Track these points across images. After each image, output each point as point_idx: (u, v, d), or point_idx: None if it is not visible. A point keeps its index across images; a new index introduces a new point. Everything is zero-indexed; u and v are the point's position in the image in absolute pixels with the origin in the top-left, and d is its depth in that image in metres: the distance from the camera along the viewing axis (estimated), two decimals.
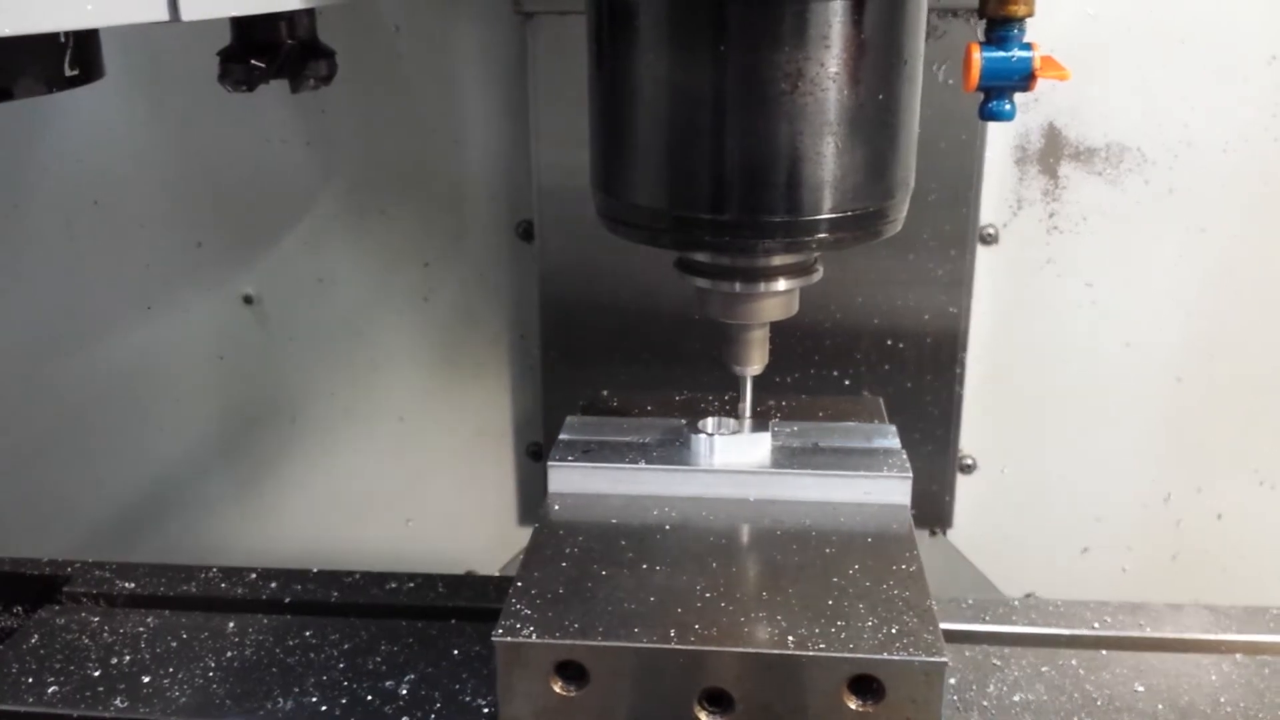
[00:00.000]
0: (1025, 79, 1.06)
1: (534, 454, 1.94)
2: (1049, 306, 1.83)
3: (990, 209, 1.77)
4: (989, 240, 1.79)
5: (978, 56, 1.06)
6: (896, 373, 1.78)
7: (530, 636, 0.95)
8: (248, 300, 1.92)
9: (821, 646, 0.94)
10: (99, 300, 1.93)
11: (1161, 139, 1.74)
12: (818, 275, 1.21)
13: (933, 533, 1.90)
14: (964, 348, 1.79)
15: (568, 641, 0.95)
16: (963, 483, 1.91)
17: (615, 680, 0.96)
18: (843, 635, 0.95)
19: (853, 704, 0.94)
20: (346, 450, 1.98)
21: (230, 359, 1.94)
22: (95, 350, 1.96)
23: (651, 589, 1.02)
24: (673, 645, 0.95)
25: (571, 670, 0.96)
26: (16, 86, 1.09)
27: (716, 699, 0.96)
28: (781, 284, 1.18)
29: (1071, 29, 1.68)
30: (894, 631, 0.95)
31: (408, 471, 1.99)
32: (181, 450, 2.01)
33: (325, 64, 1.49)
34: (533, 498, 1.98)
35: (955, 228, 1.73)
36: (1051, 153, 1.75)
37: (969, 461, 1.90)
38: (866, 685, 0.94)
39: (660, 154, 1.12)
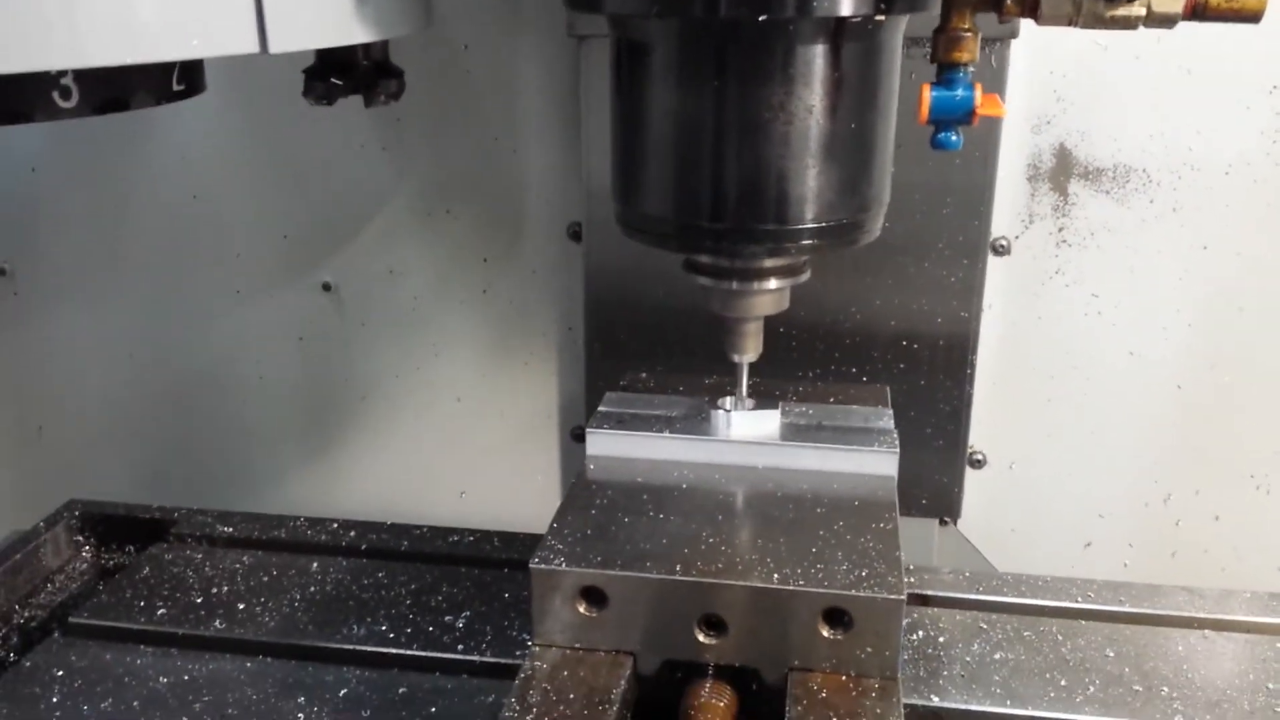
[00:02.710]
0: (968, 114, 1.20)
1: (577, 437, 2.07)
2: (1057, 315, 1.92)
3: (1003, 222, 1.87)
4: (1001, 251, 1.89)
5: (927, 95, 1.19)
6: (911, 372, 1.87)
7: (561, 565, 1.14)
8: (326, 288, 2.08)
9: (801, 583, 1.11)
10: (195, 284, 2.10)
11: (1166, 161, 1.83)
12: (805, 276, 1.34)
13: (943, 522, 2.00)
14: (974, 350, 1.88)
15: (591, 570, 1.13)
16: (972, 476, 2.00)
17: (630, 605, 1.13)
18: (820, 575, 1.12)
19: (826, 632, 1.11)
20: (409, 427, 2.13)
21: (309, 341, 2.11)
22: (190, 330, 2.14)
23: (665, 534, 1.20)
24: (678, 577, 1.12)
25: (594, 595, 1.14)
26: (132, 100, 1.27)
27: (714, 624, 1.13)
28: (772, 283, 1.32)
29: (1083, 57, 1.78)
30: (864, 574, 1.12)
31: (463, 448, 2.13)
32: (263, 422, 2.18)
33: (395, 83, 1.68)
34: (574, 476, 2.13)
35: (969, 238, 1.82)
36: (1062, 171, 1.85)
37: (979, 457, 2.00)
38: (838, 617, 1.11)
39: (667, 171, 1.26)
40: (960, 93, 1.19)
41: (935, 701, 1.26)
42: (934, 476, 1.94)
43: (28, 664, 1.35)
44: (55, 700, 1.27)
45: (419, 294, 2.06)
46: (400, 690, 1.28)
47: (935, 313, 1.86)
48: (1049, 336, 1.95)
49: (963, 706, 1.25)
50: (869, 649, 1.11)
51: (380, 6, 1.32)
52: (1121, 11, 1.09)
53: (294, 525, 1.62)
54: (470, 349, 2.09)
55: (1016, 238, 1.90)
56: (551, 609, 1.15)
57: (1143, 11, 1.10)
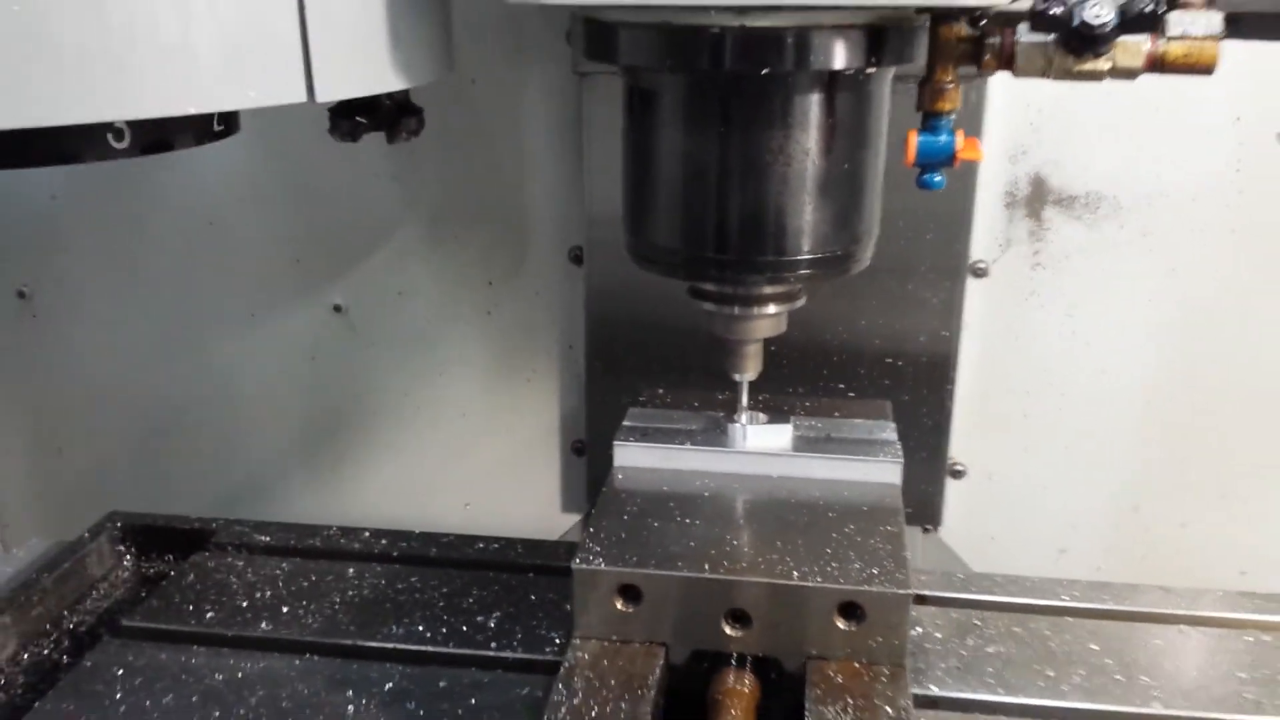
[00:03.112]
0: (950, 158, 1.32)
1: (577, 450, 2.21)
2: (1032, 334, 2.06)
3: (981, 246, 2.00)
4: (979, 274, 2.03)
5: (914, 141, 1.32)
6: (895, 387, 2.00)
7: (600, 565, 1.27)
8: (337, 309, 2.20)
9: (819, 580, 1.25)
10: (209, 307, 2.22)
11: (1136, 189, 1.96)
12: (801, 302, 1.47)
13: (925, 530, 2.14)
14: (954, 367, 2.02)
15: (628, 569, 1.27)
16: (953, 486, 2.15)
17: (663, 600, 1.27)
18: (835, 573, 1.26)
19: (841, 624, 1.25)
20: (416, 442, 2.27)
21: (320, 360, 2.24)
22: (205, 351, 2.26)
23: (692, 537, 1.34)
24: (707, 575, 1.26)
25: (630, 592, 1.28)
26: (176, 141, 1.38)
27: (739, 617, 1.27)
28: (771, 308, 1.45)
29: (1056, 90, 1.85)
30: (875, 572, 1.26)
31: (468, 462, 2.26)
32: (275, 437, 2.31)
33: (415, 120, 1.79)
34: (574, 488, 2.25)
35: (949, 262, 1.95)
36: (1037, 199, 1.99)
37: (959, 468, 2.15)
38: (852, 610, 1.25)
39: (676, 207, 1.39)
40: (943, 138, 1.31)
41: (934, 690, 1.39)
42: (917, 486, 2.03)
43: (88, 664, 1.45)
44: (119, 696, 1.38)
45: (426, 315, 2.19)
46: (441, 684, 1.40)
47: (918, 332, 1.99)
48: (1025, 354, 2.08)
49: (959, 695, 1.39)
50: (880, 639, 1.25)
51: (411, 56, 1.45)
52: (1088, 66, 1.23)
53: (327, 534, 1.74)
54: (475, 367, 2.21)
55: (994, 261, 2.03)
56: (591, 605, 1.28)
57: (1107, 66, 1.23)
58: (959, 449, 2.12)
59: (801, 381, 1.99)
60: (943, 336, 2.00)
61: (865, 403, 1.68)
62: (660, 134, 1.37)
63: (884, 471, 1.49)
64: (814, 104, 1.30)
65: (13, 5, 1.07)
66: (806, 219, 1.35)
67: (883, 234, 1.56)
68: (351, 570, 1.65)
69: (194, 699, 1.38)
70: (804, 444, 1.52)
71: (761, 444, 1.51)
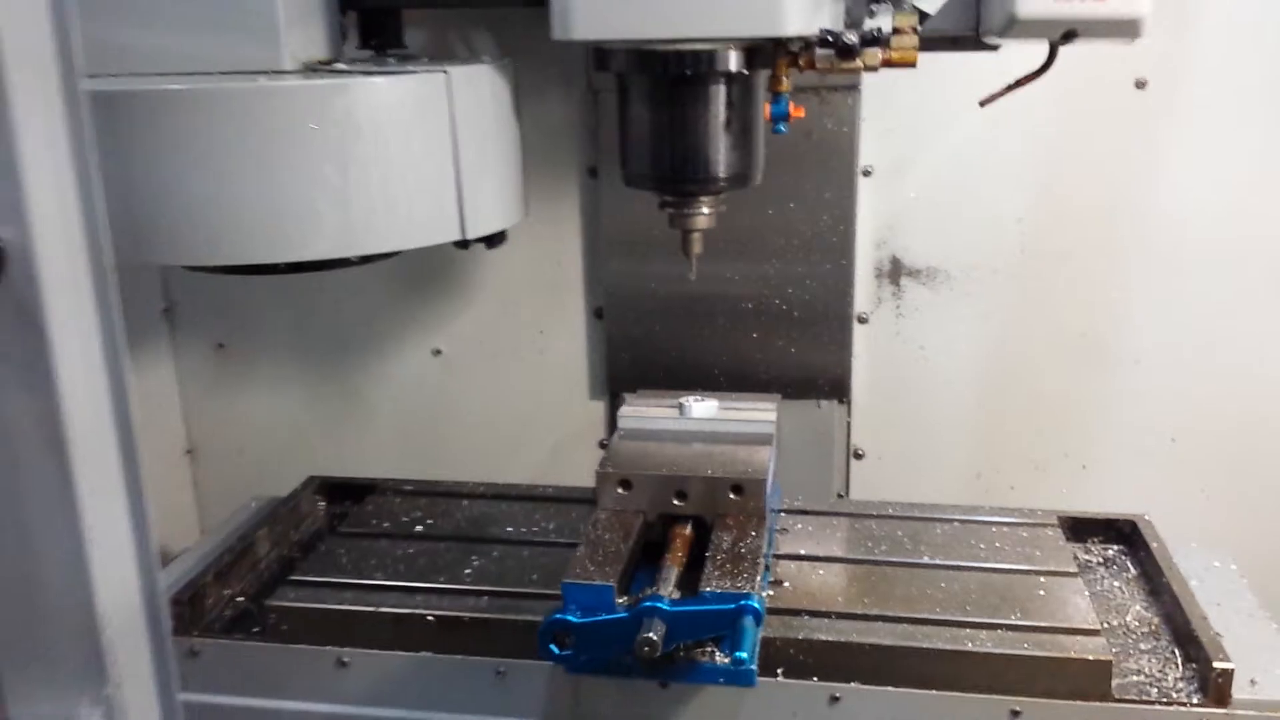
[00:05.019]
0: (787, 116, 2.09)
1: (603, 446, 3.13)
2: (900, 360, 2.84)
3: (862, 303, 2.77)
4: (863, 321, 2.79)
5: (767, 106, 2.07)
6: (814, 400, 2.78)
7: (610, 470, 2.33)
8: (436, 352, 3.03)
9: (722, 474, 2.30)
10: (352, 350, 3.05)
11: (958, 263, 2.76)
12: (724, 208, 2.16)
13: (839, 496, 2.86)
14: (850, 383, 2.79)
15: (624, 471, 2.32)
16: (856, 465, 2.91)
17: (644, 487, 2.30)
18: (729, 471, 2.29)
19: (733, 496, 2.28)
20: (491, 439, 3.05)
21: (425, 390, 3.03)
22: (347, 381, 3.08)
23: (663, 457, 2.36)
24: (664, 473, 2.31)
25: (626, 484, 2.31)
26: (376, 258, 2.03)
27: (682, 495, 2.29)
28: (705, 209, 2.15)
29: (906, 203, 2.70)
30: (750, 469, 2.31)
31: (527, 451, 3.07)
32: (395, 438, 3.12)
33: (503, 234, 2.61)
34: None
35: (842, 313, 2.73)
36: (896, 272, 2.78)
37: (860, 452, 2.90)
38: (739, 488, 2.28)
39: (648, 150, 2.11)
40: (783, 106, 2.12)
41: (801, 551, 2.50)
42: (831, 469, 2.84)
43: (323, 548, 2.58)
44: (345, 561, 2.47)
45: (497, 354, 2.97)
46: (525, 554, 2.49)
47: (824, 361, 2.78)
48: (895, 373, 2.85)
49: (813, 553, 2.48)
50: (753, 503, 2.29)
51: (515, 199, 2.24)
52: (849, 65, 2.00)
53: (447, 485, 2.83)
54: (533, 387, 3.01)
55: (872, 312, 2.81)
56: (605, 491, 2.31)
57: (860, 64, 1.99)
58: (858, 439, 2.89)
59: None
60: (841, 363, 2.78)
61: (761, 395, 2.50)
62: (637, 108, 2.12)
63: (766, 424, 2.48)
64: (721, 90, 2.05)
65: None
66: (722, 154, 2.08)
67: (799, 298, 2.61)
68: (465, 503, 2.71)
69: (388, 560, 2.50)
70: (724, 413, 2.47)
71: (700, 413, 2.45)
